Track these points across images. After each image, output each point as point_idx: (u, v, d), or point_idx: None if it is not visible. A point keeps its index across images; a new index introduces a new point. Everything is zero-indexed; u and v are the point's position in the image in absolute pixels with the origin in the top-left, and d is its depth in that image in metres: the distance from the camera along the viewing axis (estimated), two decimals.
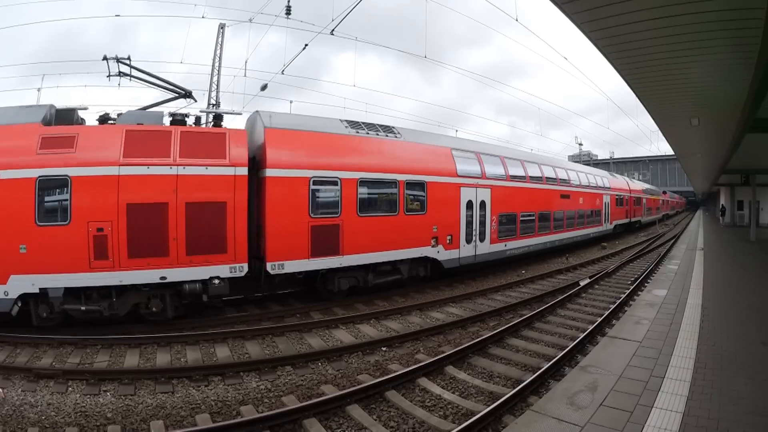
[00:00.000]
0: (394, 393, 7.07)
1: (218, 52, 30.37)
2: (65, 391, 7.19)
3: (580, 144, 59.09)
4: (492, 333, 9.80)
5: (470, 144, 19.15)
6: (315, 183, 12.27)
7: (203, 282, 10.65)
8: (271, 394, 7.22)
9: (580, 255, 24.67)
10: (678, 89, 9.58)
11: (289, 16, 19.89)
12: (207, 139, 11.21)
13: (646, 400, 5.31)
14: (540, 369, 7.78)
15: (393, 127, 15.33)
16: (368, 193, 13.64)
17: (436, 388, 7.32)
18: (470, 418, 5.86)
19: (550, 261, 22.36)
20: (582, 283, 15.55)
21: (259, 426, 5.92)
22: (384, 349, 9.32)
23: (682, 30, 6.69)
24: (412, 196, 14.52)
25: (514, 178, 19.33)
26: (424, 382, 7.53)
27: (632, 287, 14.26)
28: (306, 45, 15.61)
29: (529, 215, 20.41)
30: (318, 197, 12.46)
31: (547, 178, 22.33)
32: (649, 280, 14.88)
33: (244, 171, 11.10)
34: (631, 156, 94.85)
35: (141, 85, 12.56)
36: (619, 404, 5.21)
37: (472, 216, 16.28)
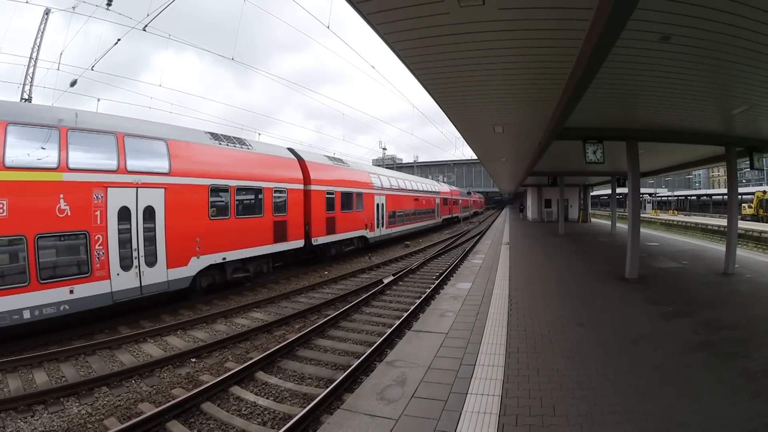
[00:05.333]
0: (210, 404, 7.39)
1: (38, 41, 28.28)
2: None
3: (384, 148, 64.31)
4: (298, 335, 10.36)
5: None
6: None
7: None
8: (93, 418, 7.19)
9: (383, 254, 26.50)
10: (482, 104, 10.08)
11: (110, 8, 20.05)
12: None
13: (460, 388, 5.63)
14: (350, 366, 8.28)
15: None
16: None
17: (250, 396, 7.72)
18: (288, 422, 6.32)
19: (354, 261, 23.62)
20: (386, 281, 16.49)
21: None
22: (194, 360, 9.64)
23: (490, 63, 7.11)
24: None
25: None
26: (237, 390, 7.93)
27: (437, 282, 15.54)
28: (118, 40, 16.24)
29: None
30: None
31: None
32: (453, 275, 16.11)
33: None
34: (436, 160, 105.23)
35: None
36: (432, 394, 5.48)
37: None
